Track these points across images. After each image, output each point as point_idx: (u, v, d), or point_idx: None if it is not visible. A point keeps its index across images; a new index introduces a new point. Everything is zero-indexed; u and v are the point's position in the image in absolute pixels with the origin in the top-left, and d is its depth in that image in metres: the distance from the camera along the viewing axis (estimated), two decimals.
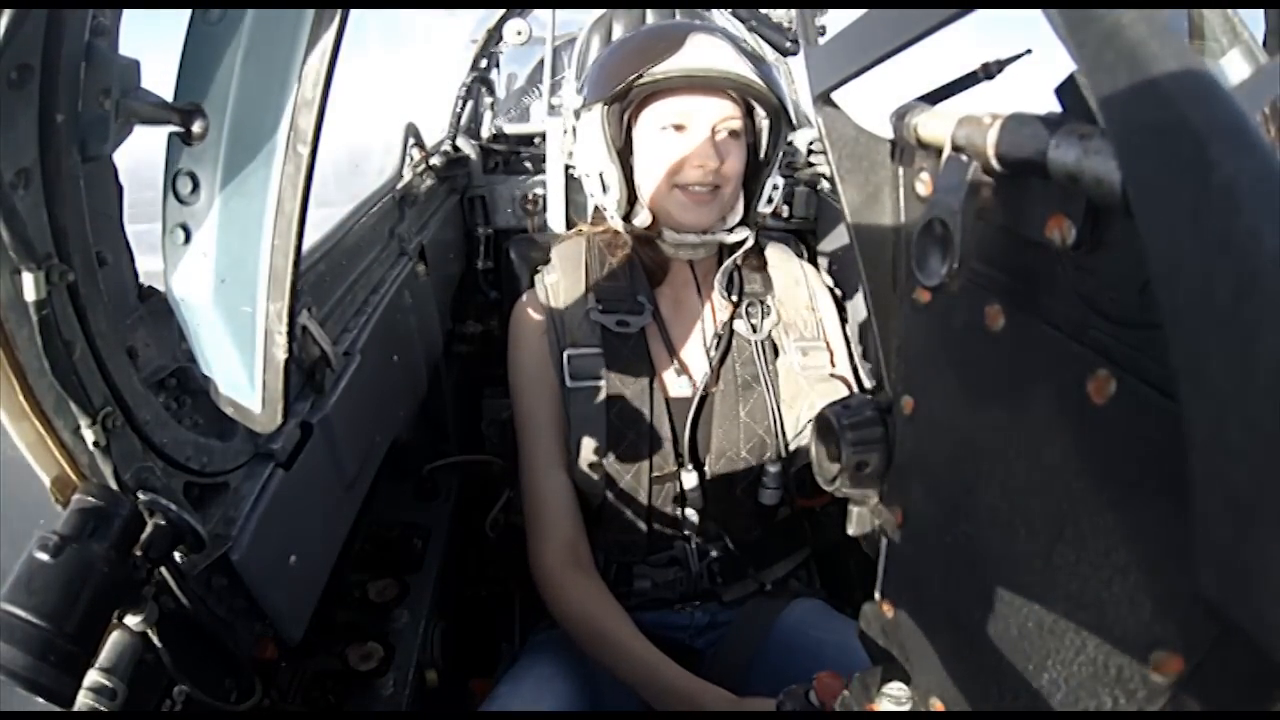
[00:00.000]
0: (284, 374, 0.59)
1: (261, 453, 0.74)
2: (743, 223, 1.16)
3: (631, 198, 1.13)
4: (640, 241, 1.16)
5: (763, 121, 1.12)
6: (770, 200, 1.15)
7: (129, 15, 0.51)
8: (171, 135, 0.55)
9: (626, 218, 1.14)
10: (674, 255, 1.16)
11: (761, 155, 1.14)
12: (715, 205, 1.10)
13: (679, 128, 1.07)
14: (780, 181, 1.16)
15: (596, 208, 1.20)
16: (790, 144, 1.78)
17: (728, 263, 1.18)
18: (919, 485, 0.44)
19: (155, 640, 0.59)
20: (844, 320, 1.31)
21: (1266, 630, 0.20)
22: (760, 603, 1.16)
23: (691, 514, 1.14)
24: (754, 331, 1.17)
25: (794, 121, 1.14)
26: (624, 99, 1.07)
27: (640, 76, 1.04)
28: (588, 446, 1.10)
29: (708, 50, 1.04)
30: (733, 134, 1.09)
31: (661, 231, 1.13)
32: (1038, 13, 0.28)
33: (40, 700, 0.47)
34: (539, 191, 1.75)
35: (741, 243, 1.17)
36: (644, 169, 1.11)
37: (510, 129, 1.96)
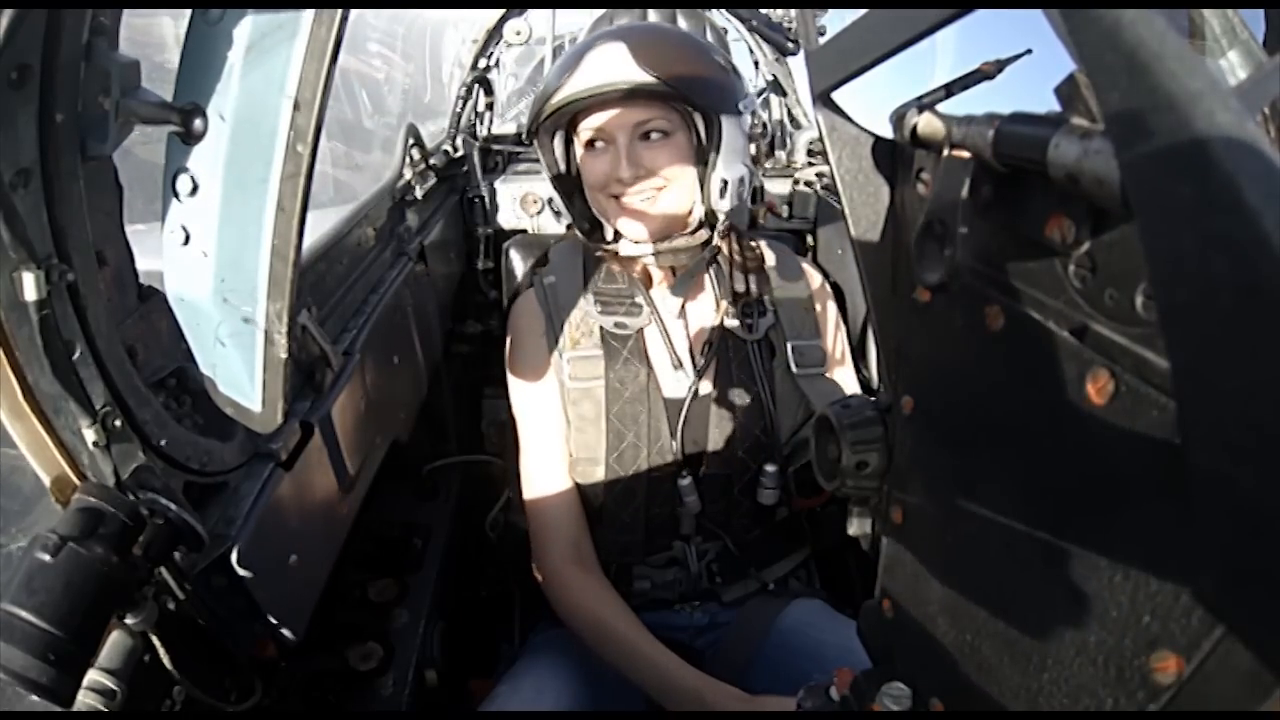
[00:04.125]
0: (284, 374, 0.59)
1: (261, 452, 0.74)
2: (705, 224, 1.13)
3: (591, 214, 1.17)
4: (611, 254, 1.18)
5: (694, 116, 1.07)
6: (723, 195, 1.08)
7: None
8: (171, 135, 0.54)
9: (590, 234, 1.18)
10: (648, 264, 1.17)
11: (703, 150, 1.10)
12: (657, 211, 1.08)
13: (597, 143, 1.08)
14: (740, 174, 1.09)
15: None
16: (791, 139, 1.77)
17: (701, 258, 1.15)
18: (919, 485, 0.44)
19: (155, 640, 0.59)
20: (844, 320, 1.31)
21: (1266, 630, 0.20)
22: (760, 603, 1.16)
23: (690, 514, 1.14)
24: (750, 332, 1.16)
25: (719, 108, 1.05)
26: (548, 127, 1.11)
27: (540, 112, 1.07)
28: (587, 447, 1.10)
29: (600, 64, 1.03)
30: (660, 134, 1.06)
31: (621, 244, 1.15)
32: (1037, 12, 0.28)
33: (40, 700, 0.47)
34: (539, 191, 1.75)
35: (708, 242, 1.14)
36: (585, 186, 1.14)
37: (510, 129, 1.96)
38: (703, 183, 1.09)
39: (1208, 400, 0.20)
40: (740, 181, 1.09)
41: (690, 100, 1.04)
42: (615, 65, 1.02)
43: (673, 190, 1.08)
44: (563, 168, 1.15)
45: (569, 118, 1.09)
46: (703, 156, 1.08)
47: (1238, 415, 0.19)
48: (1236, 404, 0.19)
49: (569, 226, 1.26)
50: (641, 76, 1.00)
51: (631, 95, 1.02)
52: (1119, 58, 0.21)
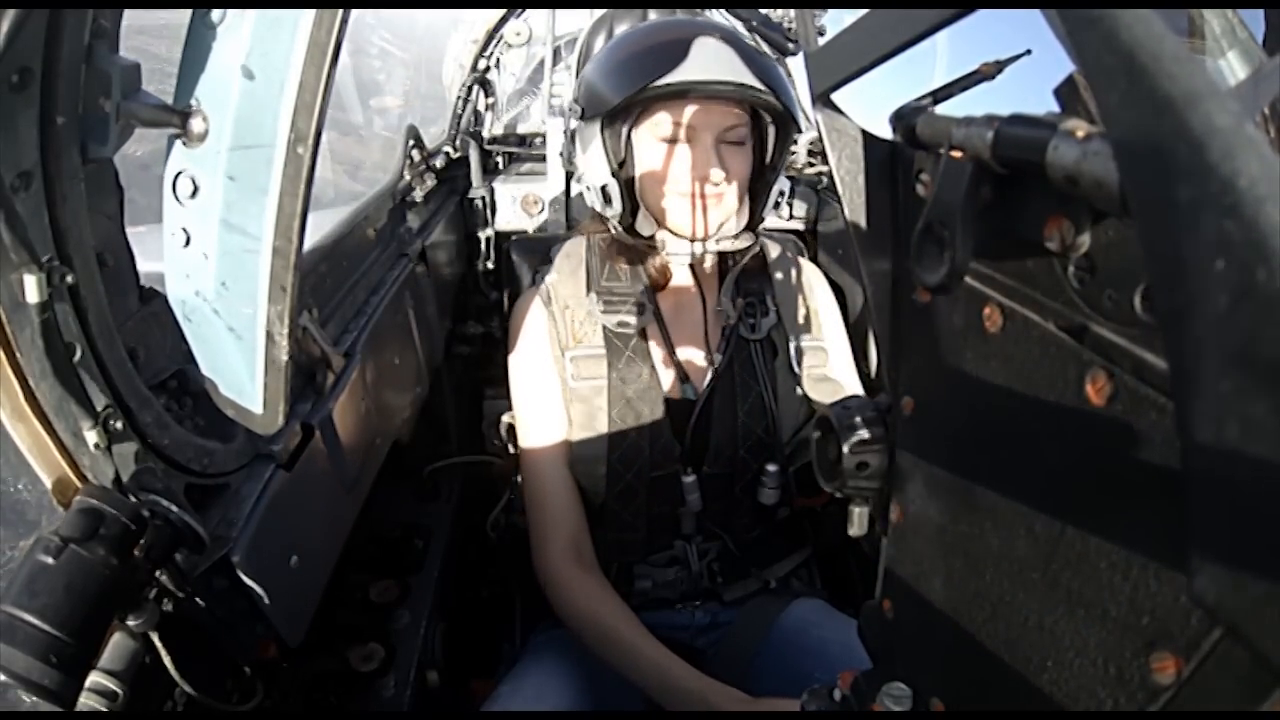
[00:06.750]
0: (285, 375, 0.60)
1: (262, 454, 0.74)
2: (748, 228, 1.15)
3: (634, 206, 1.12)
4: (642, 247, 1.15)
5: (769, 127, 1.11)
6: (777, 205, 1.14)
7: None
8: (171, 137, 0.55)
9: (630, 227, 1.12)
10: (674, 263, 1.16)
11: (768, 160, 1.12)
12: (718, 211, 1.09)
13: (678, 139, 1.05)
14: (787, 185, 1.14)
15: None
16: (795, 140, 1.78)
17: (733, 272, 1.17)
18: (919, 485, 0.44)
19: (157, 642, 0.59)
20: (845, 320, 1.31)
21: (1264, 631, 0.20)
22: (761, 602, 1.16)
23: (691, 513, 1.14)
24: (753, 331, 1.16)
25: (799, 126, 1.12)
26: (624, 113, 1.05)
27: (642, 91, 1.01)
28: (589, 446, 1.10)
29: (711, 59, 1.01)
30: (737, 141, 1.07)
31: (664, 240, 1.12)
32: (1037, 12, 0.28)
33: (43, 702, 0.47)
34: (539, 192, 1.75)
35: (747, 249, 1.16)
36: (645, 178, 1.09)
37: (509, 129, 1.97)
38: (757, 192, 1.12)
39: (1206, 401, 0.20)
40: (787, 194, 1.15)
41: (791, 114, 1.07)
42: (730, 65, 1.00)
43: (733, 194, 1.09)
44: (623, 155, 1.10)
45: (643, 106, 1.05)
46: (762, 167, 1.12)
47: (1236, 416, 0.19)
48: (1235, 405, 0.19)
49: (591, 219, 1.25)
50: (755, 83, 1.01)
51: (728, 97, 1.02)
52: (1118, 59, 0.21)
